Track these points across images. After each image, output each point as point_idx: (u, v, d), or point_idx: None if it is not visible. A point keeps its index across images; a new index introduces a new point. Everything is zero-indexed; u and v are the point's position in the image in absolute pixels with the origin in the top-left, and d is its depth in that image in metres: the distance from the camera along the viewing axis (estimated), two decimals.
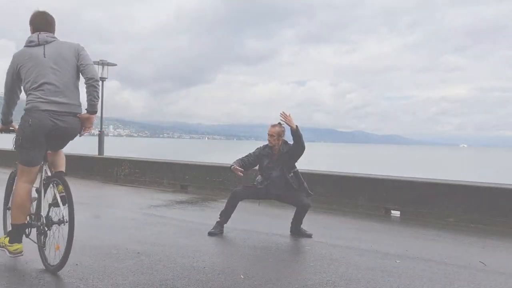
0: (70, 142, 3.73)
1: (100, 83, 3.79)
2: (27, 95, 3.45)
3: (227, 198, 5.22)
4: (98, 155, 12.98)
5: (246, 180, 8.63)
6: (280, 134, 5.15)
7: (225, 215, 5.10)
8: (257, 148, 5.34)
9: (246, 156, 5.25)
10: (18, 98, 3.67)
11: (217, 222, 5.10)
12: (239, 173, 4.99)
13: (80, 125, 3.58)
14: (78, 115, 3.54)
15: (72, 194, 3.38)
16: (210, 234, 4.97)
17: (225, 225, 5.13)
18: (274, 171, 5.10)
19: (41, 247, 3.50)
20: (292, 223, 5.18)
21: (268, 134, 5.17)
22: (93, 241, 4.50)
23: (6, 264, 3.58)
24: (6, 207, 4.01)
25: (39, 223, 3.46)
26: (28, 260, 3.69)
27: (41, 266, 3.51)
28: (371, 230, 5.69)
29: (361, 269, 3.81)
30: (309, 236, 5.01)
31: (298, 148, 5.06)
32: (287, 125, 4.98)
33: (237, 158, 5.22)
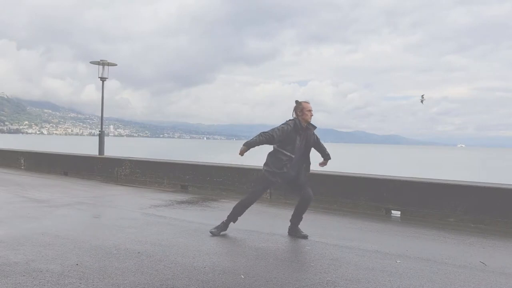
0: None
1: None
2: None
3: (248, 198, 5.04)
4: (99, 155, 12.98)
5: (245, 179, 8.63)
6: None
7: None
8: (285, 124, 4.89)
9: (271, 131, 4.79)
10: None
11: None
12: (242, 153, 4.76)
13: None
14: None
15: None
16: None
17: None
18: (298, 153, 4.89)
19: None
20: (292, 219, 5.11)
21: (309, 110, 4.90)
22: (93, 241, 4.50)
23: (7, 263, 3.58)
24: None
25: None
26: (28, 260, 3.69)
27: (42, 266, 3.51)
28: (371, 230, 5.69)
29: (361, 269, 3.81)
30: (305, 237, 4.96)
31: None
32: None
33: (259, 136, 4.79)
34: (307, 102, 4.94)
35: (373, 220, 6.45)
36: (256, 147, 4.78)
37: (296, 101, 4.99)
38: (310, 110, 4.91)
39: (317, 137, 5.11)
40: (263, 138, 4.77)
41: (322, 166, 5.29)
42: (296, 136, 4.84)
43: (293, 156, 4.83)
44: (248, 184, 8.54)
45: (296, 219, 5.10)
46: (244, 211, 5.03)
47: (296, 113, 4.94)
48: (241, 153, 4.75)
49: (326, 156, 5.24)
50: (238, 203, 5.05)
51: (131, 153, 21.26)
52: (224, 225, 5.04)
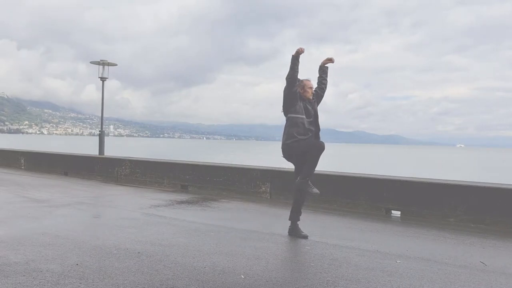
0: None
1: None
2: None
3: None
4: (99, 155, 12.98)
5: (246, 179, 8.62)
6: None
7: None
8: None
9: None
10: None
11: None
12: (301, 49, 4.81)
13: None
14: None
15: None
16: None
17: (224, 225, 5.12)
18: (313, 117, 5.02)
19: None
20: (290, 216, 5.12)
21: (310, 87, 5.04)
22: (93, 241, 4.50)
23: (7, 263, 3.58)
24: None
25: None
26: (28, 260, 3.69)
27: (42, 266, 3.51)
28: (371, 230, 5.68)
29: (361, 269, 3.81)
30: (305, 237, 4.95)
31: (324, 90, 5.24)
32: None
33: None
34: (308, 80, 5.07)
35: (373, 220, 6.45)
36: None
37: (298, 79, 5.06)
38: (311, 88, 5.05)
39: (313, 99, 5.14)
40: (296, 73, 4.88)
41: (329, 61, 5.27)
42: (305, 104, 4.98)
43: (311, 119, 4.97)
44: (248, 184, 8.55)
45: (294, 215, 5.08)
46: (309, 184, 4.99)
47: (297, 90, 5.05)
48: (301, 51, 4.80)
49: (321, 76, 5.28)
50: (300, 181, 4.98)
51: (131, 153, 21.28)
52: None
